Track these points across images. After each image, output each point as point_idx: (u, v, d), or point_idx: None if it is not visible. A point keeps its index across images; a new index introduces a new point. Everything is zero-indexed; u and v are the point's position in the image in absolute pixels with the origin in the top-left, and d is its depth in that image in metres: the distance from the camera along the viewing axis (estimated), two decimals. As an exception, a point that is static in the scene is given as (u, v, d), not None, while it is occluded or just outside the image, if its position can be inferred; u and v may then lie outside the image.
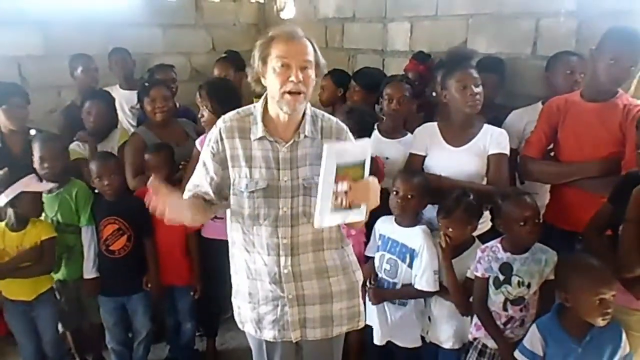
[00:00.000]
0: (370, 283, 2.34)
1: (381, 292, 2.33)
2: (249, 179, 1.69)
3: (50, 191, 2.53)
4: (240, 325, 1.89)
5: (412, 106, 2.59)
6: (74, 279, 2.60)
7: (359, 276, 1.89)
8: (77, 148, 2.83)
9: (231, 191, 1.74)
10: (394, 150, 2.53)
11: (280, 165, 1.68)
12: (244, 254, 1.78)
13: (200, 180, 1.77)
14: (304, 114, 1.70)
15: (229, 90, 2.60)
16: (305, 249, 1.74)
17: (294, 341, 1.82)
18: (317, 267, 1.77)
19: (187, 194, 1.80)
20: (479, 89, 2.18)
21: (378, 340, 2.35)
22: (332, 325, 1.81)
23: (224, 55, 3.59)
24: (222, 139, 1.71)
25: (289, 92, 1.59)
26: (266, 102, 1.71)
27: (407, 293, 2.27)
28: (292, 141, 1.69)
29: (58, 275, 2.59)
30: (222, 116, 1.77)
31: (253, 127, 1.70)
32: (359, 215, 1.59)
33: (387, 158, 2.51)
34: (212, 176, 1.74)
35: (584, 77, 2.39)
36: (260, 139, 1.68)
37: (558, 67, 2.50)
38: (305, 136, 1.70)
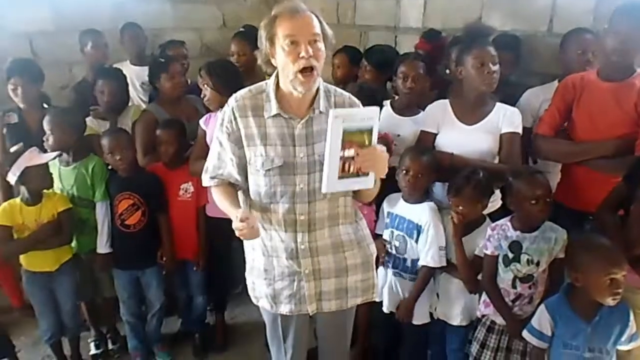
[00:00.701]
0: (382, 258, 2.35)
1: (405, 302, 2.32)
2: (264, 157, 1.68)
3: (67, 164, 2.57)
4: (254, 300, 1.92)
5: (426, 84, 2.56)
6: (86, 252, 2.65)
7: (373, 249, 1.91)
8: (91, 124, 2.84)
9: (248, 170, 1.75)
10: (407, 127, 2.51)
11: (295, 142, 1.68)
12: (261, 231, 1.78)
13: (221, 162, 1.78)
14: (317, 89, 1.68)
15: (229, 67, 2.61)
16: (322, 224, 1.75)
17: (310, 314, 1.85)
18: (333, 242, 1.79)
19: (210, 181, 1.82)
20: (496, 67, 2.15)
21: (386, 308, 2.37)
22: (346, 297, 1.84)
23: (241, 29, 3.47)
24: (235, 118, 1.70)
25: (302, 71, 1.57)
26: (278, 79, 1.69)
27: (422, 281, 2.27)
28: (307, 117, 1.68)
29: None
30: (234, 94, 1.76)
31: (266, 104, 1.69)
32: (365, 183, 1.59)
33: (398, 135, 2.50)
34: (232, 157, 1.74)
35: (597, 56, 2.35)
36: (274, 116, 1.67)
37: (570, 46, 2.46)
38: (320, 112, 1.68)
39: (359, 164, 1.53)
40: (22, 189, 2.40)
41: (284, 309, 1.83)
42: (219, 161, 1.78)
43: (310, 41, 1.57)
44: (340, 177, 1.53)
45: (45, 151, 2.49)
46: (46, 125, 2.50)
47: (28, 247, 2.42)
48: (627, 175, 1.90)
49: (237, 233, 1.61)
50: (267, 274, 1.82)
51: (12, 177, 2.35)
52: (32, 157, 2.38)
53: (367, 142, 1.53)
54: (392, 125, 2.51)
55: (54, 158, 2.50)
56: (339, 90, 1.79)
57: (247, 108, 1.69)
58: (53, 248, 2.46)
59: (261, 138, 1.69)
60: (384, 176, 1.67)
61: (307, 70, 1.58)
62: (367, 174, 1.57)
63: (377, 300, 2.02)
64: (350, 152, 1.50)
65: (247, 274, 1.92)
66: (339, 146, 1.49)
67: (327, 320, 1.92)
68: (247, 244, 1.88)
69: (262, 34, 1.64)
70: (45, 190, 2.46)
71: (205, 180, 1.85)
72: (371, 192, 1.79)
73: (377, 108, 1.56)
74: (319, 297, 1.81)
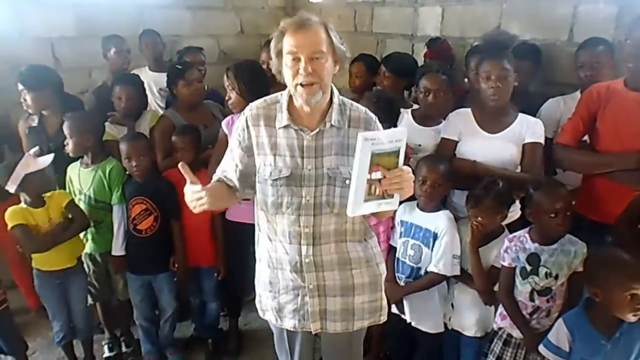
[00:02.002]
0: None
1: (399, 288, 2.32)
2: (273, 166, 1.68)
3: (87, 166, 2.61)
4: (261, 313, 1.91)
5: (448, 97, 2.53)
6: (101, 253, 2.68)
7: (382, 269, 1.86)
8: (110, 129, 2.87)
9: (256, 179, 1.74)
10: (428, 138, 2.50)
11: (304, 154, 1.67)
12: (267, 243, 1.79)
13: (228, 166, 1.79)
14: (331, 102, 1.67)
15: (257, 72, 2.59)
16: (327, 239, 1.73)
17: (313, 332, 1.82)
18: (340, 258, 1.75)
19: (214, 178, 1.82)
20: (504, 83, 2.14)
21: (409, 317, 2.34)
22: (352, 319, 1.80)
23: (271, 39, 3.51)
24: (247, 127, 1.71)
25: (301, 84, 1.57)
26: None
27: (426, 282, 2.25)
28: (317, 130, 1.66)
29: (85, 249, 2.67)
30: (250, 104, 1.76)
31: (278, 114, 1.69)
32: (391, 205, 1.57)
33: (419, 145, 2.49)
34: (237, 164, 1.74)
35: (600, 69, 2.35)
36: (285, 127, 1.67)
37: (576, 61, 2.46)
38: (332, 125, 1.67)
39: (385, 186, 1.50)
40: (24, 196, 2.41)
41: (288, 323, 1.82)
42: (225, 165, 1.80)
43: (311, 58, 1.55)
44: (366, 200, 1.51)
45: (57, 156, 2.52)
46: (66, 130, 2.54)
47: (56, 240, 2.44)
48: None
49: (186, 198, 1.62)
50: (272, 286, 1.81)
51: (12, 187, 2.36)
52: (28, 164, 2.38)
53: (394, 164, 1.52)
54: (413, 135, 2.49)
55: (87, 164, 2.58)
56: (355, 104, 1.77)
57: (260, 117, 1.70)
58: (75, 235, 2.51)
59: (271, 147, 1.69)
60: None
61: (306, 85, 1.57)
62: (392, 196, 1.55)
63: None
64: (377, 175, 1.48)
65: (255, 284, 1.92)
66: (367, 169, 1.48)
67: (332, 340, 1.88)
68: (257, 254, 1.87)
69: (272, 46, 1.65)
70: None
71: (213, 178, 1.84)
72: (390, 212, 1.77)
73: (404, 130, 1.54)
74: (323, 315, 1.78)
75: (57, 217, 2.46)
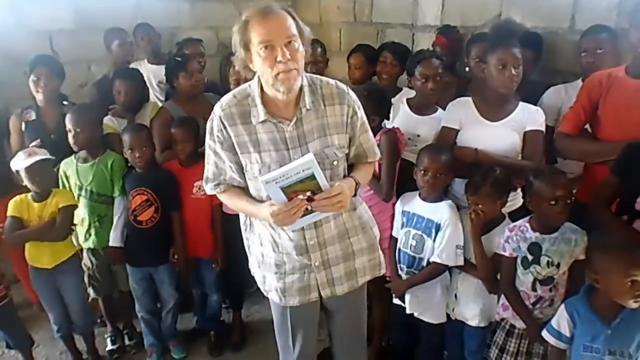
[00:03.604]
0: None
1: (402, 282, 2.32)
2: (260, 163, 1.67)
3: (85, 161, 2.60)
4: (264, 293, 1.94)
5: (445, 80, 2.52)
6: (104, 247, 2.67)
7: (376, 232, 1.95)
8: (110, 123, 2.87)
9: (246, 175, 1.74)
10: (426, 127, 2.49)
11: (288, 145, 1.66)
12: (269, 229, 1.80)
13: (220, 170, 1.76)
14: (300, 86, 1.64)
15: None
16: (327, 219, 1.76)
17: (325, 297, 1.86)
18: (339, 231, 1.81)
19: (215, 188, 1.81)
20: (518, 71, 2.13)
21: (409, 309, 2.35)
22: (356, 277, 1.88)
23: None
24: (225, 127, 1.67)
25: (282, 72, 1.53)
26: (261, 83, 1.65)
27: (429, 273, 2.25)
28: (295, 119, 1.65)
29: (89, 243, 2.67)
30: (219, 101, 1.72)
31: (253, 109, 1.65)
32: (324, 214, 1.70)
33: (418, 135, 2.48)
34: (230, 165, 1.73)
35: (602, 56, 2.33)
36: (263, 122, 1.64)
37: (579, 48, 2.43)
38: (307, 109, 1.65)
39: (316, 208, 1.61)
40: (33, 187, 2.42)
41: (293, 301, 1.85)
42: (217, 169, 1.77)
43: (286, 43, 1.52)
44: (302, 216, 1.63)
45: (59, 149, 2.51)
46: (72, 124, 2.52)
47: (26, 239, 2.45)
48: (616, 166, 1.88)
49: (272, 220, 1.62)
50: (279, 268, 1.83)
51: (22, 164, 2.35)
52: (36, 152, 2.39)
53: (315, 186, 1.58)
54: (411, 125, 2.49)
55: (86, 159, 2.58)
56: (325, 79, 1.74)
57: (235, 116, 1.66)
58: (46, 241, 2.46)
59: (254, 145, 1.67)
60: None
61: (286, 72, 1.54)
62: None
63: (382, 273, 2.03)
64: (300, 197, 1.58)
65: (255, 268, 1.92)
66: (284, 199, 1.59)
67: (339, 302, 1.92)
68: (253, 239, 1.88)
69: (235, 39, 1.59)
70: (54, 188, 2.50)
71: (209, 189, 1.82)
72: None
73: (310, 155, 1.55)
74: (331, 283, 1.84)
75: (48, 216, 2.43)
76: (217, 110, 1.69)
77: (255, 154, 1.67)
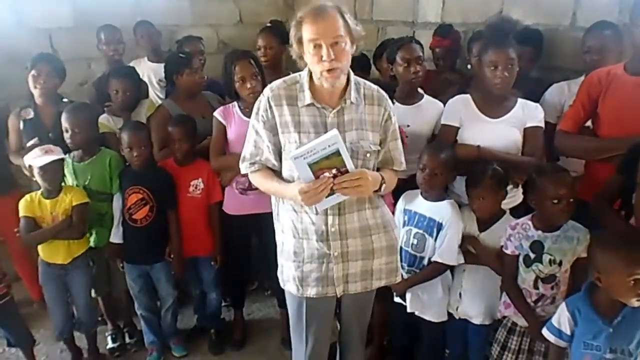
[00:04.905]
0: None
1: (403, 281, 2.29)
2: (298, 143, 1.76)
3: (81, 159, 2.59)
4: (282, 284, 1.97)
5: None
6: (104, 246, 2.67)
7: (397, 234, 1.99)
8: (106, 121, 2.85)
9: (283, 156, 1.83)
10: (413, 116, 2.49)
11: (328, 130, 1.74)
12: (291, 214, 1.86)
13: (258, 149, 1.86)
14: (348, 80, 1.78)
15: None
16: (351, 208, 1.82)
17: (338, 296, 1.90)
18: (361, 225, 1.86)
19: (250, 167, 1.89)
20: (511, 71, 2.13)
21: (409, 308, 2.35)
22: (371, 279, 1.91)
23: (268, 25, 3.47)
24: (270, 107, 1.80)
25: (327, 71, 1.67)
26: (311, 72, 1.78)
27: (430, 272, 2.25)
28: (338, 107, 1.77)
29: (90, 243, 2.66)
30: (269, 85, 1.85)
31: (300, 94, 1.79)
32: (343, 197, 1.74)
33: (407, 126, 2.46)
34: (268, 145, 1.83)
35: (606, 54, 2.31)
36: (308, 105, 1.77)
37: (583, 44, 2.42)
38: (351, 102, 1.78)
39: (337, 188, 1.67)
40: (44, 184, 2.43)
41: (311, 291, 1.88)
42: (256, 149, 1.87)
43: (332, 43, 1.65)
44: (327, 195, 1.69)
45: (62, 147, 2.50)
46: (68, 124, 2.51)
47: (44, 239, 2.45)
48: (620, 165, 1.88)
49: (300, 199, 1.69)
50: (297, 256, 1.87)
51: (36, 161, 2.36)
52: (52, 150, 2.40)
53: (340, 163, 1.65)
54: (399, 116, 2.46)
55: (82, 158, 2.57)
56: (368, 83, 1.88)
57: (282, 97, 1.80)
58: (64, 239, 2.48)
59: (295, 126, 1.78)
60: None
61: (330, 70, 1.67)
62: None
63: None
64: (327, 175, 1.65)
65: (278, 256, 1.97)
66: (312, 177, 1.66)
67: (352, 300, 1.97)
68: (277, 226, 1.94)
69: (292, 34, 1.75)
70: (64, 184, 2.50)
71: (244, 168, 1.92)
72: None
73: (334, 131, 1.64)
74: (346, 279, 1.87)
75: (61, 213, 2.45)
76: (267, 91, 1.84)
77: (295, 134, 1.78)
